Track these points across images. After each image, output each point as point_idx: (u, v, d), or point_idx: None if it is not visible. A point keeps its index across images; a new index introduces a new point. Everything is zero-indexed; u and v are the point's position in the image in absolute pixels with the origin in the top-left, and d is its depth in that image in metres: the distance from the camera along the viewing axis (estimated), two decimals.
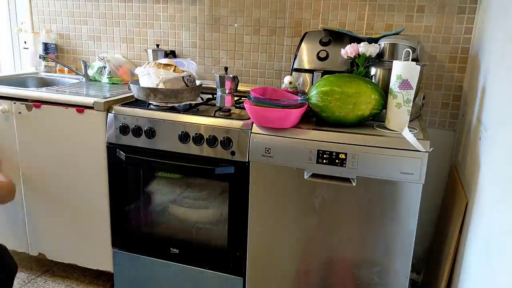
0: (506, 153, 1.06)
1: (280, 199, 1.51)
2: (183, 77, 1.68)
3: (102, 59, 2.19)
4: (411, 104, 1.35)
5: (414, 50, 1.48)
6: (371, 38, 1.65)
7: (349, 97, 1.39)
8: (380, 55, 1.59)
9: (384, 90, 1.44)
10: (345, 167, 1.40)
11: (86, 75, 2.23)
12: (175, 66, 1.71)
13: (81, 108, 1.73)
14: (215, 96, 1.95)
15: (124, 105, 1.73)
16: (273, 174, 1.50)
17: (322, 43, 1.75)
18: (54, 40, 2.45)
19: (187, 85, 1.69)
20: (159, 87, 1.64)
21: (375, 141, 1.37)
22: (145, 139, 1.65)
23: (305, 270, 1.55)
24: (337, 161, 1.40)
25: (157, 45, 2.21)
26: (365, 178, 1.39)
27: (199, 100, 1.80)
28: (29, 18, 2.48)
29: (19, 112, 1.83)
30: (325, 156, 1.41)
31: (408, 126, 1.36)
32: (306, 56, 1.76)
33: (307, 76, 1.74)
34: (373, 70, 1.54)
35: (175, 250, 1.74)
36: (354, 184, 1.41)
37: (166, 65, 1.70)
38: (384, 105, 1.44)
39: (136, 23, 2.28)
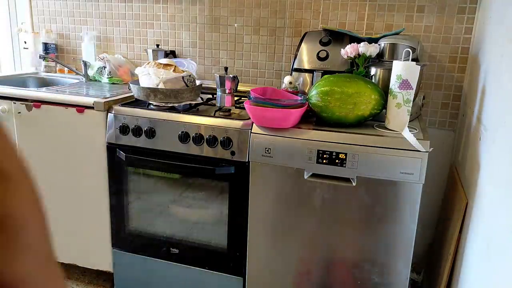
0: (506, 153, 1.06)
1: (280, 199, 1.51)
2: (183, 77, 1.68)
3: (102, 59, 2.19)
4: (411, 104, 1.35)
5: (414, 50, 1.48)
6: (371, 38, 1.65)
7: (349, 97, 1.39)
8: (380, 55, 1.59)
9: (384, 90, 1.44)
10: (345, 167, 1.40)
11: (86, 75, 2.23)
12: (175, 66, 1.71)
13: (81, 108, 1.73)
14: (215, 96, 1.95)
15: (124, 105, 1.73)
16: (273, 174, 1.50)
17: (322, 43, 1.75)
18: (54, 40, 2.45)
19: (187, 85, 1.69)
20: (159, 87, 1.64)
21: (375, 141, 1.37)
22: (145, 139, 1.65)
23: (305, 270, 1.55)
24: (337, 161, 1.40)
25: (157, 45, 2.21)
26: (365, 178, 1.39)
27: (199, 100, 1.80)
28: (29, 18, 2.48)
29: (19, 112, 1.83)
30: (325, 156, 1.41)
31: (408, 126, 1.36)
32: (306, 56, 1.76)
33: (307, 76, 1.74)
34: (373, 70, 1.54)
35: (175, 250, 1.74)
36: (354, 184, 1.41)
37: (166, 65, 1.70)
38: (384, 105, 1.44)
39: (136, 23, 2.28)
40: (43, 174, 1.87)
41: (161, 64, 1.71)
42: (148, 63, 1.73)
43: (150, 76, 1.66)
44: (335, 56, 1.70)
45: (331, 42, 1.74)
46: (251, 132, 1.50)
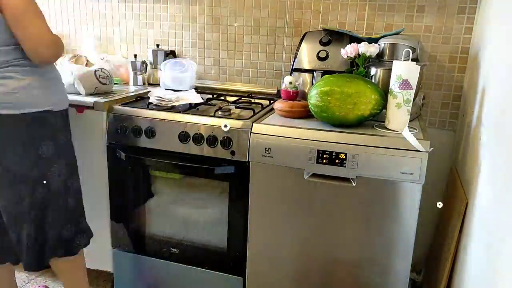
0: (506, 153, 1.06)
1: (280, 199, 1.51)
2: (95, 72, 1.63)
3: (102, 59, 2.19)
4: (411, 104, 1.35)
5: (414, 50, 1.48)
6: (371, 38, 1.65)
7: (349, 97, 1.39)
8: (380, 55, 1.59)
9: (384, 90, 1.44)
10: (345, 167, 1.40)
11: None
12: (87, 60, 1.64)
13: (81, 108, 1.73)
14: (215, 96, 1.96)
15: (124, 105, 1.73)
16: (273, 174, 1.50)
17: (322, 43, 1.75)
18: None
19: (100, 82, 1.66)
20: (75, 85, 1.60)
21: (375, 141, 1.37)
22: (145, 139, 1.65)
23: (305, 270, 1.55)
24: (337, 161, 1.40)
25: (157, 45, 2.21)
26: (365, 178, 1.39)
27: (199, 100, 1.80)
28: None
29: None
30: (325, 156, 1.41)
31: (408, 126, 1.36)
32: (306, 56, 1.76)
33: (307, 76, 1.74)
34: (373, 70, 1.54)
35: (175, 250, 1.74)
36: (354, 184, 1.41)
37: (78, 58, 1.64)
38: (384, 105, 1.44)
39: (136, 23, 2.27)
40: None
41: (75, 57, 1.64)
42: (64, 57, 1.68)
43: (65, 72, 1.64)
44: (335, 56, 1.70)
45: (331, 42, 1.74)
46: (251, 132, 1.51)
